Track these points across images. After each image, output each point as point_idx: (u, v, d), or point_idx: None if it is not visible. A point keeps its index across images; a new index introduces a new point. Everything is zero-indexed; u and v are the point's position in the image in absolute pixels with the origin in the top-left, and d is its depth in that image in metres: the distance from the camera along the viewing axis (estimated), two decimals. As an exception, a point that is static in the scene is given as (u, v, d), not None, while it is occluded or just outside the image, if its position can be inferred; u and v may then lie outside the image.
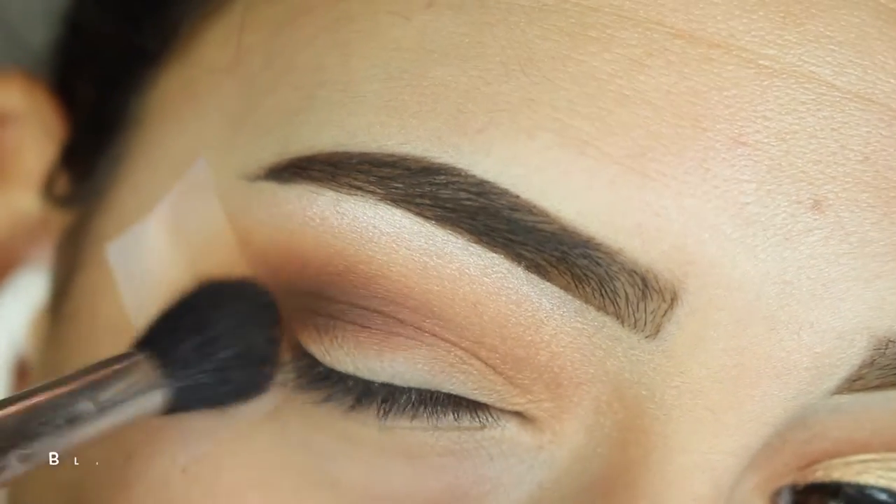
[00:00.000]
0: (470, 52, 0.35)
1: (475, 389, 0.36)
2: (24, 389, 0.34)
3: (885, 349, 0.35)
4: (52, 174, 0.46)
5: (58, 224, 0.45)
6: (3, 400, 0.33)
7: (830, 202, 0.34)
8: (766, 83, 0.34)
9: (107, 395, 0.34)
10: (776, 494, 0.38)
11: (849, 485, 0.38)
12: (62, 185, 0.46)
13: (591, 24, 0.34)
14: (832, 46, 0.35)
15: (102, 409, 0.34)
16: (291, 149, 0.36)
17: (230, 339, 0.36)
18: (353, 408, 0.36)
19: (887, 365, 0.35)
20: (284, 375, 0.37)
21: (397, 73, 0.35)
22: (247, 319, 0.36)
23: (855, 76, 0.35)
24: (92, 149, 0.43)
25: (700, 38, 0.34)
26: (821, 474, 0.38)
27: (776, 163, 0.34)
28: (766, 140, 0.34)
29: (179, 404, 0.36)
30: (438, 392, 0.36)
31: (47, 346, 0.44)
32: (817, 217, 0.34)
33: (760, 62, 0.34)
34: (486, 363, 0.36)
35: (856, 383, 0.35)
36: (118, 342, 0.38)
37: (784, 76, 0.34)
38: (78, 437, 0.34)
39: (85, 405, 0.34)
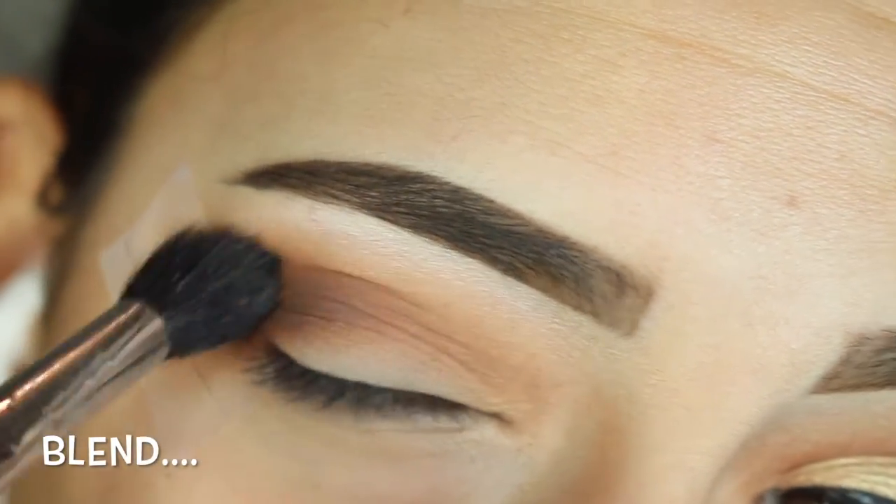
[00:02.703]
0: (445, 58, 0.35)
1: (450, 388, 0.36)
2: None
3: (861, 346, 0.35)
4: (46, 182, 0.46)
5: (50, 232, 0.45)
6: (27, 369, 0.34)
7: (806, 198, 0.34)
8: (739, 82, 0.34)
9: (119, 347, 0.35)
10: (759, 498, 0.38)
11: (832, 489, 0.38)
12: (55, 193, 0.46)
13: (563, 26, 0.34)
14: (807, 47, 0.35)
15: (119, 362, 0.35)
16: (270, 156, 0.36)
17: (221, 271, 0.36)
18: (326, 406, 0.36)
19: (863, 363, 0.35)
20: (263, 377, 0.37)
21: (375, 82, 0.35)
22: (233, 253, 0.36)
23: (830, 76, 0.35)
24: (84, 157, 0.44)
25: (672, 38, 0.34)
26: (803, 479, 0.37)
27: (751, 159, 0.34)
28: (740, 137, 0.34)
29: (183, 344, 0.36)
30: (414, 392, 0.36)
31: (41, 352, 0.44)
32: (793, 213, 0.34)
33: (734, 61, 0.34)
34: (458, 361, 0.36)
35: (832, 382, 0.35)
36: None
37: (758, 75, 0.34)
38: (104, 396, 0.34)
39: (104, 363, 0.34)
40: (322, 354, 0.36)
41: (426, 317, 0.35)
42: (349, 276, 0.35)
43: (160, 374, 0.37)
